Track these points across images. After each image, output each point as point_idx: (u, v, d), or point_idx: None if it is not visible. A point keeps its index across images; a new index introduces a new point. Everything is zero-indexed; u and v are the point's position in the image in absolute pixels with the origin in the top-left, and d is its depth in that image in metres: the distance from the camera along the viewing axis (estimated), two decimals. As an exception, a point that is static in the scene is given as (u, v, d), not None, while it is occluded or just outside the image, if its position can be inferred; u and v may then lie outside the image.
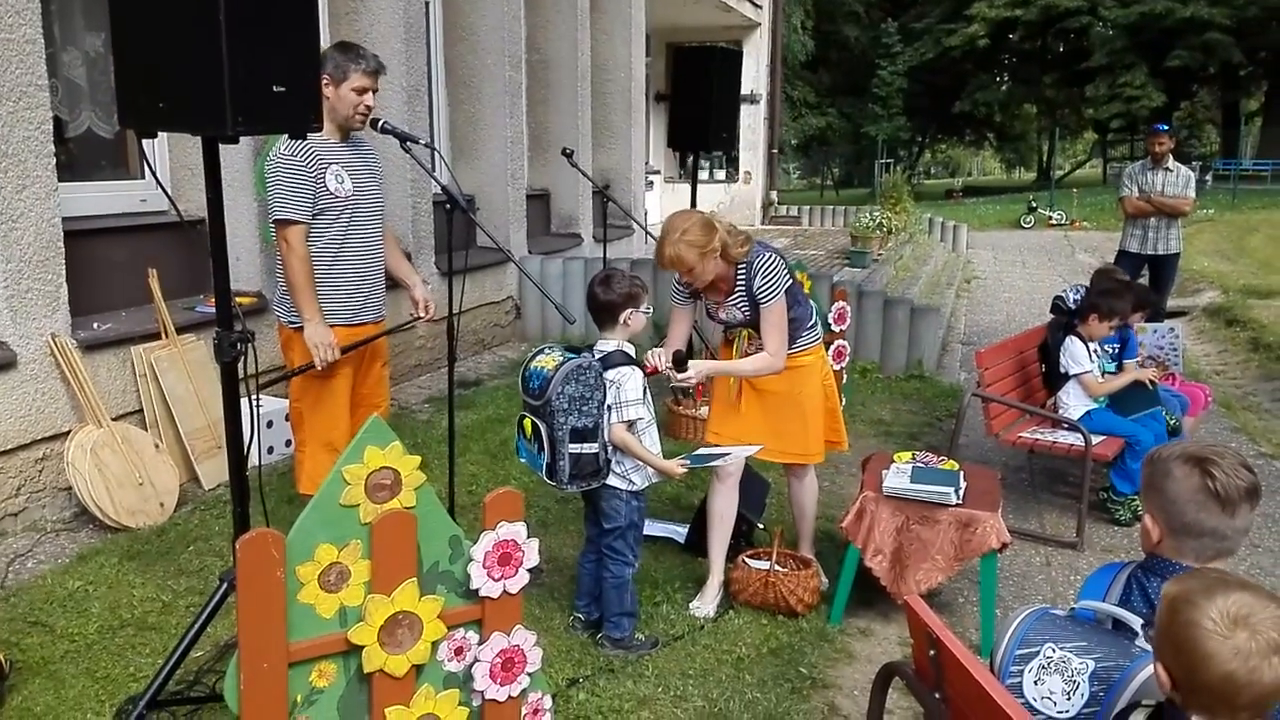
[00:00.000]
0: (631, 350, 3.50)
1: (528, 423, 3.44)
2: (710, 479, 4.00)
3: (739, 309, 3.71)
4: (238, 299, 5.15)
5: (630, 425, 3.47)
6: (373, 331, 3.90)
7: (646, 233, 9.28)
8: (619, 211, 8.16)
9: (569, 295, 8.24)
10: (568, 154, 6.49)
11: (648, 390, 3.47)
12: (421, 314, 3.92)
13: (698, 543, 4.28)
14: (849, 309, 6.45)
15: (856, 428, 5.70)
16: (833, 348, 5.83)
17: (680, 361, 3.48)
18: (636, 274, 3.60)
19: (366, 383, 4.05)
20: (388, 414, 4.07)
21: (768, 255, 3.63)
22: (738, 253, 3.66)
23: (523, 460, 3.52)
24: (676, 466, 3.52)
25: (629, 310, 3.52)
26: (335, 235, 3.79)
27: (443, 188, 3.81)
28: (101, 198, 5.27)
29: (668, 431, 6.03)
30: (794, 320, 3.77)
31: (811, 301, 4.02)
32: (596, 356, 3.43)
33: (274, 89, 2.34)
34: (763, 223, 17.47)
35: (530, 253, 8.91)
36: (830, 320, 6.14)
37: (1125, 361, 5.32)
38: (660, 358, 3.41)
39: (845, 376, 6.14)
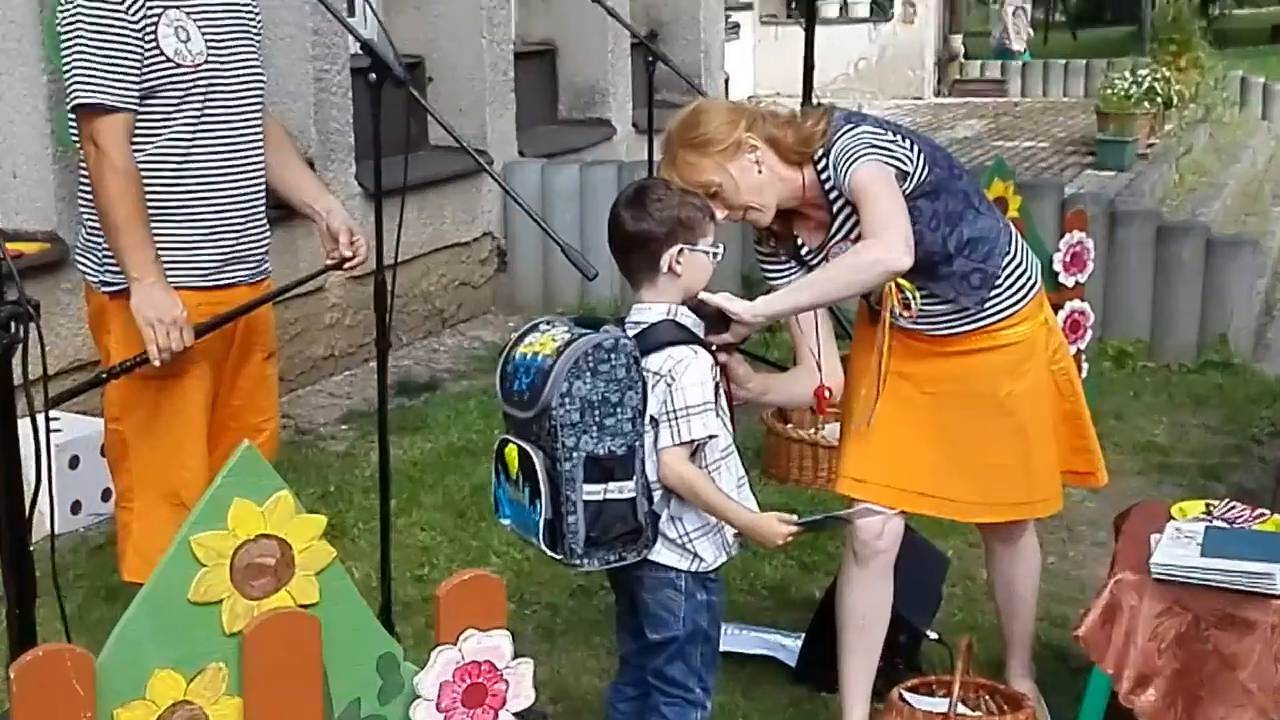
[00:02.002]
0: (691, 321, 2.91)
1: (512, 452, 2.86)
2: (845, 558, 3.37)
3: (856, 234, 3.10)
4: (13, 246, 4.44)
5: (694, 450, 2.87)
6: (249, 297, 3.36)
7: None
8: (677, 78, 6.35)
9: (591, 228, 6.72)
10: (586, -21, 5.96)
11: (721, 388, 2.93)
12: (345, 255, 3.32)
13: (819, 665, 3.63)
14: (1091, 246, 5.10)
15: (1108, 456, 4.98)
16: (1063, 314, 4.86)
17: (716, 318, 2.91)
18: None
19: (238, 388, 3.46)
20: (275, 442, 3.59)
21: (853, 125, 3.05)
22: (807, 136, 2.99)
23: (505, 521, 2.99)
24: (779, 526, 2.87)
25: (677, 247, 2.85)
26: (180, 133, 3.20)
27: (365, 46, 3.23)
28: None
29: (765, 467, 5.09)
30: (977, 241, 3.08)
31: (1011, 226, 3.29)
32: (629, 332, 2.89)
33: None
34: (938, 93, 14.19)
35: (523, 154, 7.39)
36: (1057, 266, 4.94)
37: None
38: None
39: (1086, 365, 5.01)
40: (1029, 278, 3.20)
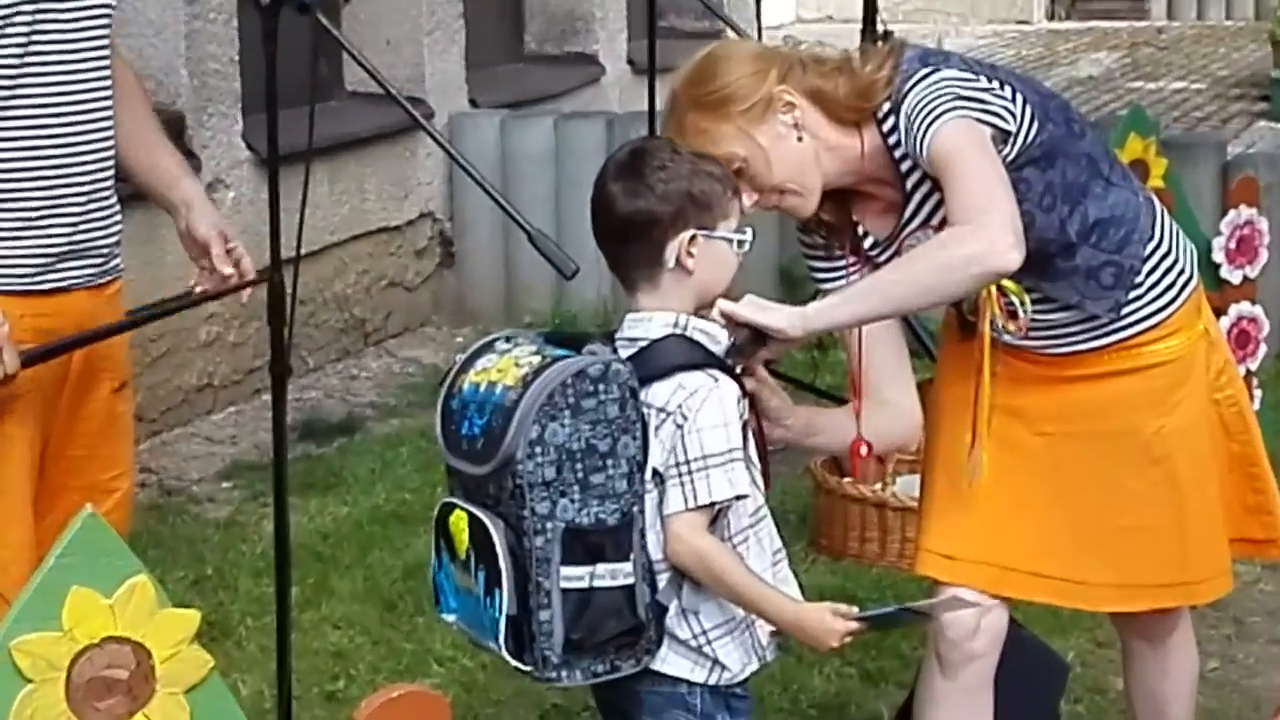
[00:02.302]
0: (711, 335, 2.40)
1: (460, 520, 2.35)
2: (925, 664, 2.87)
3: (940, 218, 2.72)
4: None
5: (714, 516, 2.40)
6: (93, 305, 2.76)
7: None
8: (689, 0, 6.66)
9: (569, 206, 6.01)
10: None
11: (751, 429, 2.50)
12: (224, 271, 2.73)
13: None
14: (1265, 227, 4.65)
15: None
16: (1228, 321, 4.46)
17: (750, 337, 2.45)
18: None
19: (78, 433, 2.82)
20: (130, 506, 3.03)
21: (932, 68, 2.59)
22: (866, 85, 2.54)
23: (449, 618, 2.49)
24: (833, 622, 2.35)
25: (688, 233, 2.38)
26: (-8, 81, 3.22)
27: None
28: None
29: (814, 538, 4.62)
30: (1108, 224, 2.61)
31: (1154, 200, 2.86)
32: (623, 352, 2.42)
33: None
34: (1051, 15, 13.45)
35: (475, 103, 6.81)
36: (1219, 255, 4.55)
37: None
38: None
39: (1260, 392, 4.54)
40: (1182, 272, 2.78)
